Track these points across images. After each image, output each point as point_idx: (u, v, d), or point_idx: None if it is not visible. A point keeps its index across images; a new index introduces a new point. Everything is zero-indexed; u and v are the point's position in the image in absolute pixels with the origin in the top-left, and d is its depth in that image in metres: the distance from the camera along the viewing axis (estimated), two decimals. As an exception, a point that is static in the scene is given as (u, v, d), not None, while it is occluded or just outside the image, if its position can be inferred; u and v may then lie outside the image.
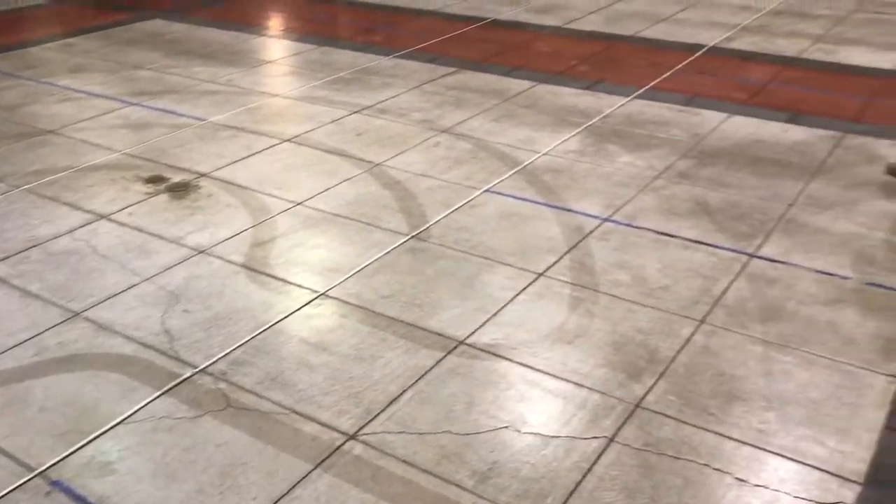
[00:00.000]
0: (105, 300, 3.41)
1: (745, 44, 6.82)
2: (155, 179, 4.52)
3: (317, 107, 5.57)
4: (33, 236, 3.94)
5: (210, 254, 3.76)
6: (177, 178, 4.53)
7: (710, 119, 5.24)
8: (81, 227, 4.01)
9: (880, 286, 3.43)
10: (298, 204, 4.21)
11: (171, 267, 3.65)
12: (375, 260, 3.68)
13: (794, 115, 5.26)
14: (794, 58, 6.45)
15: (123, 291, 3.47)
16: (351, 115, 5.42)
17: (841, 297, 3.36)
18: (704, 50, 6.65)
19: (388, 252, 3.74)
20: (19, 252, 3.80)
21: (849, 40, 6.87)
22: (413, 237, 3.87)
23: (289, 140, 5.01)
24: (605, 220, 4.00)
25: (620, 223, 3.96)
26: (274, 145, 4.94)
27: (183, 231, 3.96)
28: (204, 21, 7.87)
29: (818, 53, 6.54)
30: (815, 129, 5.03)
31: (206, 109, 5.55)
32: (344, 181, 4.46)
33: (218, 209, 4.17)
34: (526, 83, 5.97)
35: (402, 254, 3.74)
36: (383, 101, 5.65)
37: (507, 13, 7.99)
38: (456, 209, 4.13)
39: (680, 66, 6.29)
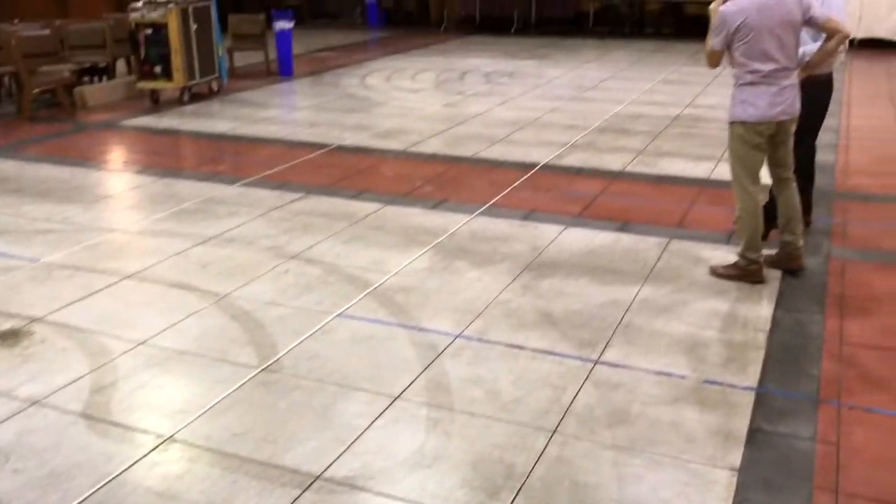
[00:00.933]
0: (-80, 467, 3.10)
1: (574, 160, 7.31)
2: (-19, 327, 4.23)
3: (160, 240, 5.44)
4: None
5: (44, 405, 3.52)
6: (5, 325, 4.25)
7: (547, 232, 5.52)
8: None
9: (714, 382, 3.65)
10: (141, 343, 4.04)
11: (0, 423, 3.39)
12: (225, 397, 3.56)
13: (624, 225, 5.64)
14: (620, 171, 6.96)
15: (-58, 455, 3.17)
16: (196, 246, 5.32)
17: (680, 396, 3.55)
18: (538, 167, 7.07)
19: (237, 388, 3.63)
20: None
21: (666, 153, 7.51)
22: (264, 370, 3.78)
23: (130, 277, 4.85)
24: (458, 336, 4.07)
25: (472, 338, 4.05)
26: (114, 283, 4.76)
27: (13, 382, 3.69)
28: (38, 157, 7.61)
29: (640, 166, 7.10)
30: (643, 237, 5.40)
31: (39, 249, 5.30)
32: (189, 316, 4.33)
33: (53, 355, 3.93)
34: (374, 205, 6.11)
35: (253, 388, 3.64)
36: (230, 231, 5.61)
37: (351, 139, 8.22)
38: (307, 337, 4.09)
39: (517, 183, 6.64)
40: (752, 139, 4.50)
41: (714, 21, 4.44)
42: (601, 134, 8.29)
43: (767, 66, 4.36)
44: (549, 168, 7.08)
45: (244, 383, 3.67)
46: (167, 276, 4.86)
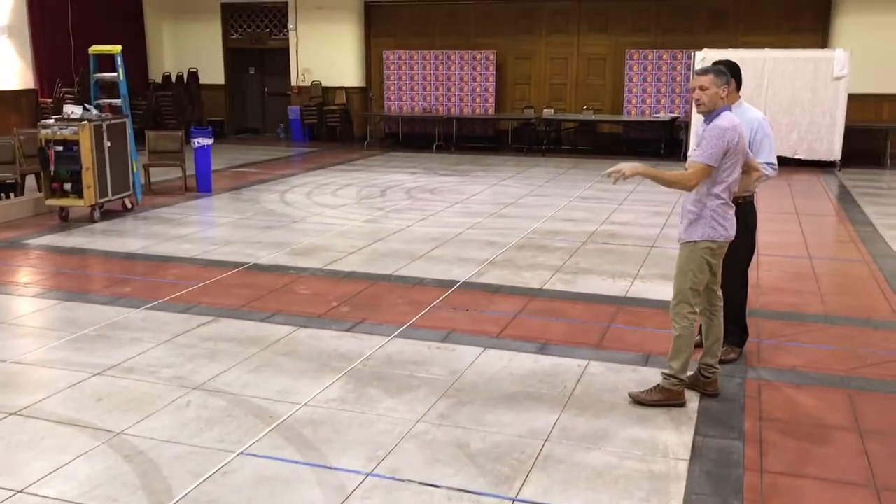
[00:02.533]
0: None
1: (493, 278, 7.28)
2: None
3: (53, 371, 5.09)
4: None
5: None
6: None
7: (466, 354, 5.39)
8: None
9: (636, 518, 3.50)
10: (20, 492, 3.66)
11: None
12: (108, 554, 3.22)
13: (543, 346, 5.55)
14: (539, 289, 6.95)
15: None
16: (92, 377, 4.99)
17: (602, 536, 3.37)
18: (457, 286, 7.00)
19: (123, 542, 3.30)
20: None
21: (584, 270, 7.56)
22: (155, 519, 3.46)
23: (15, 413, 4.47)
24: (368, 474, 3.83)
25: (384, 477, 3.81)
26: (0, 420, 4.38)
27: None
28: (-72, 279, 7.17)
29: (559, 284, 7.10)
30: (562, 359, 5.31)
31: (-85, 383, 4.88)
32: (78, 457, 3.98)
33: (-86, 509, 3.53)
34: (286, 328, 5.89)
35: (142, 541, 3.31)
36: (131, 359, 5.29)
37: (267, 257, 8.04)
38: (206, 479, 3.78)
39: (436, 302, 6.53)
40: (713, 259, 4.54)
41: (713, 139, 4.39)
42: (520, 250, 8.32)
43: (734, 187, 4.51)
44: (468, 286, 7.02)
45: (131, 537, 3.34)
46: (58, 411, 4.50)
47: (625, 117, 17.08)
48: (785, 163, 14.91)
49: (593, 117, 17.29)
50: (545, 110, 17.76)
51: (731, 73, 4.68)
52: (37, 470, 3.87)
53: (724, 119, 4.41)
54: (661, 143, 16.33)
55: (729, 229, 4.53)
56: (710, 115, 4.49)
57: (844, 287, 7.24)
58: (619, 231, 9.31)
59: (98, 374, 5.04)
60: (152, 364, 5.21)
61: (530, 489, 3.71)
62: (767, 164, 5.00)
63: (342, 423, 4.37)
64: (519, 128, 18.23)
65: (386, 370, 5.12)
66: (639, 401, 4.60)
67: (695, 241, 4.54)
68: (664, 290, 6.86)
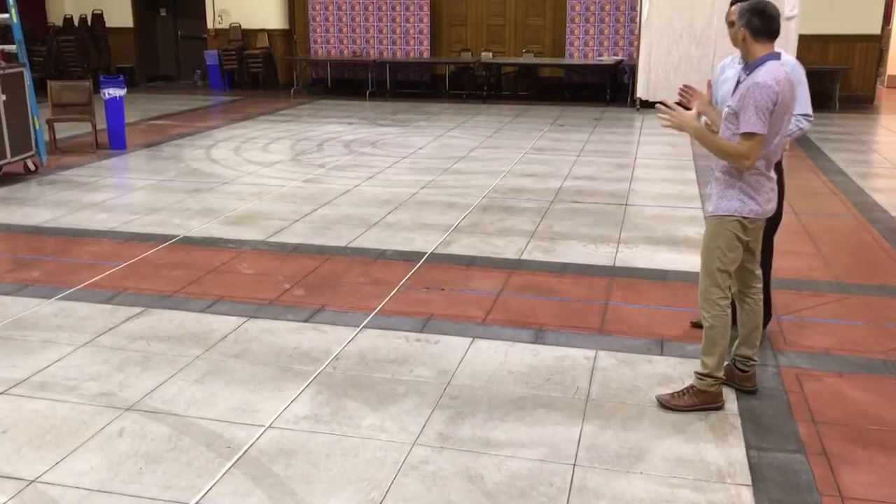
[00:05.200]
0: None
1: (463, 248, 6.45)
2: None
3: (-58, 392, 4.06)
4: None
5: None
6: None
7: (452, 348, 4.57)
8: None
9: (712, 575, 2.79)
10: None
11: None
12: None
13: (539, 333, 4.78)
14: (517, 260, 6.15)
15: None
16: (-6, 398, 3.99)
17: None
18: (425, 259, 6.14)
19: None
20: None
21: (560, 234, 6.80)
22: None
23: None
24: (364, 530, 3.01)
25: (385, 532, 3.00)
26: None
27: None
28: None
29: (537, 252, 6.32)
30: (564, 350, 4.55)
31: None
32: (-23, 524, 3.04)
33: None
34: (232, 320, 4.95)
35: None
36: (43, 370, 4.28)
37: (199, 228, 7.00)
38: (154, 550, 2.90)
39: (404, 280, 5.67)
40: (745, 236, 3.79)
41: (761, 100, 3.56)
42: (485, 213, 7.50)
43: (775, 155, 3.75)
44: (436, 258, 6.17)
45: None
46: (-52, 452, 3.51)
47: (567, 60, 16.26)
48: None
49: (534, 61, 16.44)
50: (483, 53, 16.80)
51: (758, 19, 3.77)
52: (-79, 544, 2.92)
53: (769, 73, 3.60)
54: (607, 88, 15.62)
55: (763, 204, 3.78)
56: (750, 63, 3.71)
57: (846, 248, 6.68)
58: (586, 187, 8.56)
59: (1, 394, 4.03)
60: (71, 376, 4.22)
61: (573, 541, 2.96)
62: (802, 115, 4.27)
63: (320, 452, 3.52)
64: (457, 72, 17.22)
65: (361, 373, 4.27)
66: (669, 406, 3.89)
67: (720, 216, 3.80)
68: (654, 257, 6.18)
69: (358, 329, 4.82)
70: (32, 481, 3.29)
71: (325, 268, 5.99)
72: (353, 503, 3.15)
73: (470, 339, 4.68)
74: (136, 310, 5.12)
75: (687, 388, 3.93)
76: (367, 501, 3.17)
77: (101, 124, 10.85)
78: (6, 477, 3.32)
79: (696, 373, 3.91)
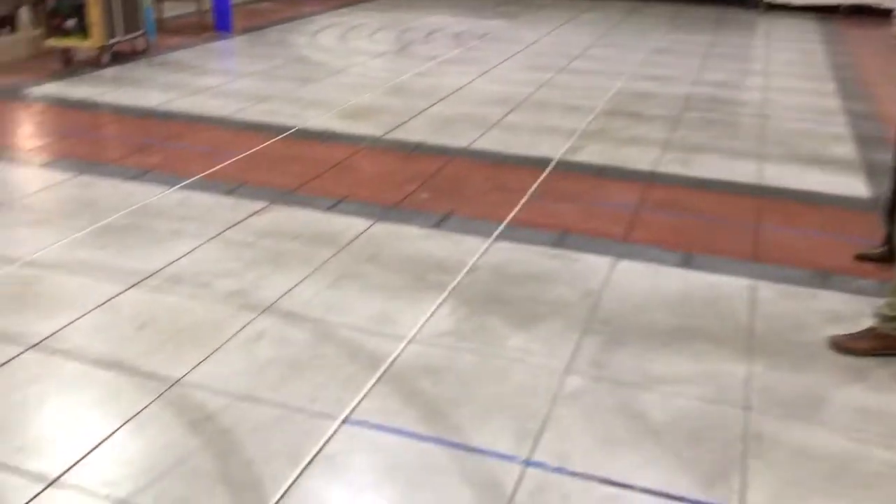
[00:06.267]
0: None
1: (592, 155, 6.05)
2: None
3: (77, 279, 3.98)
4: None
5: None
6: None
7: (594, 267, 4.28)
8: None
9: (918, 549, 2.51)
10: (52, 483, 2.65)
11: None
12: None
13: (687, 256, 4.43)
14: (652, 172, 5.74)
15: None
16: (128, 290, 3.89)
17: (886, 583, 2.39)
18: (553, 165, 5.78)
19: (212, 584, 2.30)
20: None
21: (696, 147, 6.32)
22: (249, 538, 2.46)
23: (34, 346, 3.40)
24: (527, 463, 2.81)
25: (549, 468, 2.79)
26: (11, 359, 3.31)
27: None
28: (-89, 139, 5.92)
29: (674, 165, 5.88)
30: (718, 277, 4.20)
31: None
32: (125, 424, 2.94)
33: None
34: (359, 222, 4.74)
35: (236, 579, 2.32)
36: (174, 263, 4.17)
37: (314, 119, 6.76)
38: (306, 468, 2.76)
39: (533, 188, 5.35)
40: None
41: None
42: (611, 118, 7.03)
43: None
44: (564, 167, 5.80)
45: (220, 572, 2.34)
46: (88, 345, 3.43)
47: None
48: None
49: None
50: (596, -56, 15.73)
51: None
52: (71, 446, 2.84)
53: None
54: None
55: None
56: None
57: None
58: (718, 95, 7.95)
59: (135, 285, 3.94)
60: (203, 271, 4.10)
61: (757, 497, 2.70)
62: None
63: (468, 373, 3.32)
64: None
65: (500, 289, 4.02)
66: (845, 349, 3.53)
67: None
68: (804, 178, 5.68)
69: (490, 240, 4.55)
70: (175, 382, 3.19)
71: (449, 170, 5.69)
72: (509, 431, 2.95)
73: (612, 259, 4.37)
74: (260, 204, 4.95)
75: (866, 331, 3.56)
76: (525, 431, 2.96)
77: (207, 4, 10.60)
78: (148, 376, 3.23)
79: (880, 314, 3.53)
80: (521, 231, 4.69)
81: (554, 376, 3.30)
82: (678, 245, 4.56)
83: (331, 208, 4.93)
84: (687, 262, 4.36)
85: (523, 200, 5.14)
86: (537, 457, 2.83)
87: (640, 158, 6.00)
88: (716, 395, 3.22)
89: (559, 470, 2.77)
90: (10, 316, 3.62)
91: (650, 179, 5.61)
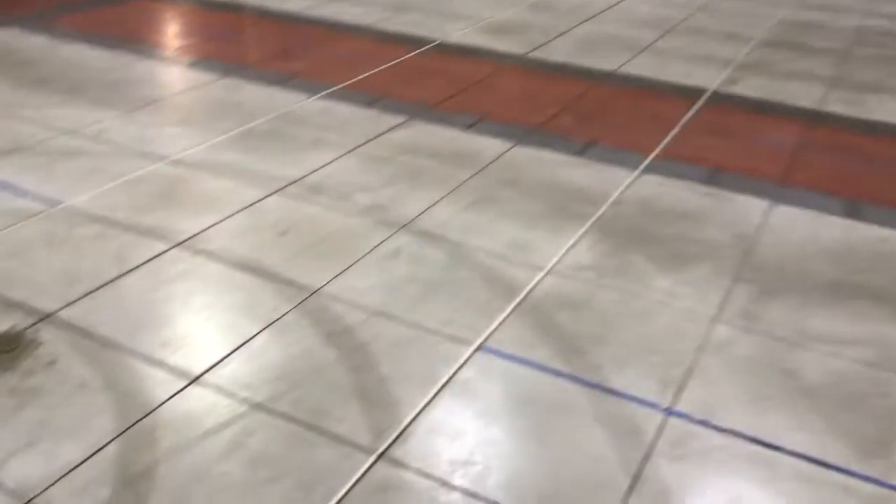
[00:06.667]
0: None
1: (750, 89, 5.62)
2: (-33, 327, 2.93)
3: (222, 181, 4.04)
4: None
5: (43, 500, 2.25)
6: (3, 324, 2.95)
7: (748, 209, 3.99)
8: None
9: None
10: (194, 381, 2.71)
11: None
12: (326, 517, 2.25)
13: (853, 205, 4.07)
14: (816, 111, 5.28)
15: None
16: (271, 195, 3.92)
17: None
18: (707, 97, 5.42)
19: (341, 501, 2.30)
20: None
21: (868, 86, 5.77)
22: (382, 456, 2.45)
23: (181, 244, 3.48)
24: (669, 412, 2.67)
25: (693, 420, 2.64)
26: (159, 255, 3.40)
27: (0, 450, 2.41)
28: (72, 33, 6.12)
29: (840, 105, 5.40)
30: (888, 231, 3.85)
31: (62, 183, 3.93)
32: (265, 329, 2.98)
33: (65, 395, 2.63)
34: (499, 143, 4.59)
35: (364, 494, 2.31)
36: (315, 172, 4.17)
37: (456, 33, 6.57)
38: (442, 389, 2.72)
39: (684, 120, 5.03)
40: None
41: None
42: (772, 49, 6.51)
43: None
44: (719, 98, 5.42)
45: (353, 486, 2.34)
46: (232, 247, 3.48)
47: None
48: None
49: None
50: None
51: None
52: (213, 345, 2.90)
53: None
54: None
55: None
56: None
57: None
58: (892, 28, 7.23)
59: (278, 191, 3.96)
60: (343, 183, 4.07)
61: (925, 474, 2.48)
62: None
63: (608, 310, 3.17)
64: None
65: (646, 225, 3.82)
66: None
67: None
68: None
69: (637, 172, 4.32)
70: (314, 292, 3.20)
71: (594, 94, 5.43)
72: (652, 378, 2.81)
73: (768, 202, 4.07)
74: (400, 118, 4.87)
75: None
76: (668, 378, 2.82)
77: None
78: (288, 283, 3.25)
79: None
80: (671, 165, 4.42)
81: (701, 323, 3.12)
82: (843, 192, 4.20)
83: (470, 127, 4.80)
84: (853, 212, 4.01)
85: (674, 132, 4.84)
86: (681, 406, 2.69)
87: (803, 95, 5.54)
88: (878, 360, 2.96)
89: (703, 423, 2.63)
90: (158, 212, 3.71)
91: (814, 119, 5.17)
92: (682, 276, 3.42)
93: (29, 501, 2.23)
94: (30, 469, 2.33)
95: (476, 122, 4.87)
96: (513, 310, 3.14)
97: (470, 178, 4.19)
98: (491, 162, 4.37)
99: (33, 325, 2.93)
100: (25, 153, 4.22)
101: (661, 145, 4.65)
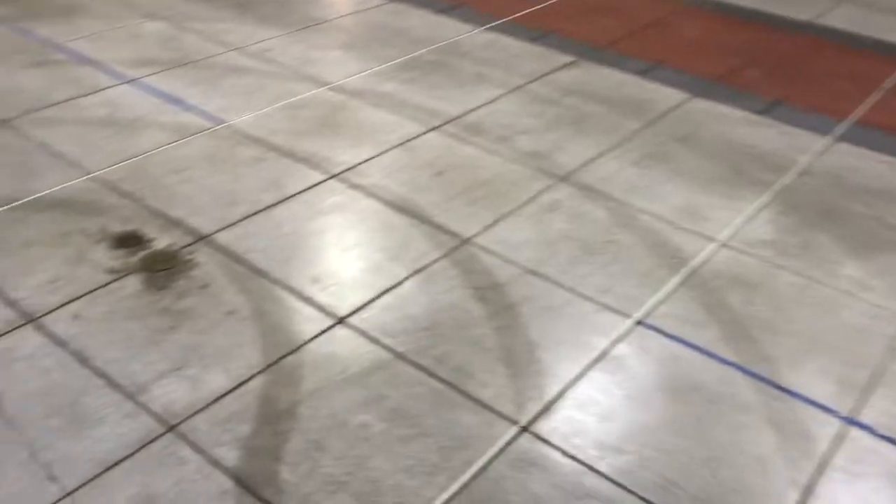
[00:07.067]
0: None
1: (971, 51, 4.94)
2: (128, 241, 2.97)
3: (380, 112, 3.93)
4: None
5: (182, 434, 2.25)
6: (162, 240, 2.98)
7: (960, 194, 3.51)
8: (-5, 338, 2.50)
9: None
10: (340, 322, 2.65)
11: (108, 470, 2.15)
12: (462, 487, 2.14)
13: None
14: None
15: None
16: (428, 132, 3.77)
17: None
18: (917, 57, 4.80)
19: (481, 471, 2.19)
20: None
21: None
22: (526, 429, 2.31)
23: (337, 176, 3.41)
24: (850, 421, 2.38)
25: (877, 434, 2.34)
26: (315, 185, 3.34)
27: (150, 370, 2.43)
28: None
29: None
30: None
31: (226, 101, 3.94)
32: (413, 275, 2.87)
33: (214, 321, 2.63)
34: (674, 93, 4.24)
35: (505, 467, 2.19)
36: (475, 110, 3.99)
37: (635, -32, 6.12)
38: (594, 363, 2.53)
39: (890, 82, 4.48)
40: None
41: None
42: None
43: None
44: (932, 61, 4.80)
45: (494, 459, 2.21)
46: (386, 184, 3.38)
47: None
48: None
49: None
50: None
51: None
52: (362, 286, 2.83)
53: None
54: None
55: None
56: None
57: None
58: None
59: (436, 127, 3.81)
60: (504, 124, 3.87)
61: None
62: None
63: (787, 296, 2.86)
64: None
65: (836, 201, 3.42)
66: None
67: None
68: None
69: (829, 139, 3.88)
70: (465, 241, 3.06)
71: (785, 46, 4.92)
72: (831, 380, 2.51)
73: (985, 187, 3.56)
74: (568, 58, 4.58)
75: None
76: (850, 382, 2.51)
77: None
78: (439, 228, 3.11)
79: None
80: (869, 133, 3.94)
81: (894, 322, 2.76)
82: None
83: (643, 73, 4.45)
84: None
85: (875, 96, 4.32)
86: (864, 417, 2.39)
87: None
88: None
89: (889, 440, 2.32)
90: (317, 139, 3.65)
91: None
92: (874, 264, 3.04)
93: (172, 427, 2.25)
94: (176, 394, 2.35)
95: (650, 69, 4.51)
96: (679, 284, 2.89)
97: (640, 129, 3.88)
98: (664, 114, 4.04)
99: (190, 245, 2.95)
100: (194, 67, 4.26)
101: (860, 110, 4.15)
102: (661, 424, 2.34)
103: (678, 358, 2.57)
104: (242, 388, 2.38)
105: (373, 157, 3.54)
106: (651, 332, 2.66)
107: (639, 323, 2.69)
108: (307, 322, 2.63)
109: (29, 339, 2.51)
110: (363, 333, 2.60)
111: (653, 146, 3.75)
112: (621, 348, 2.59)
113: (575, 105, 4.07)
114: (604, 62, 4.55)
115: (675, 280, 2.90)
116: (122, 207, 3.13)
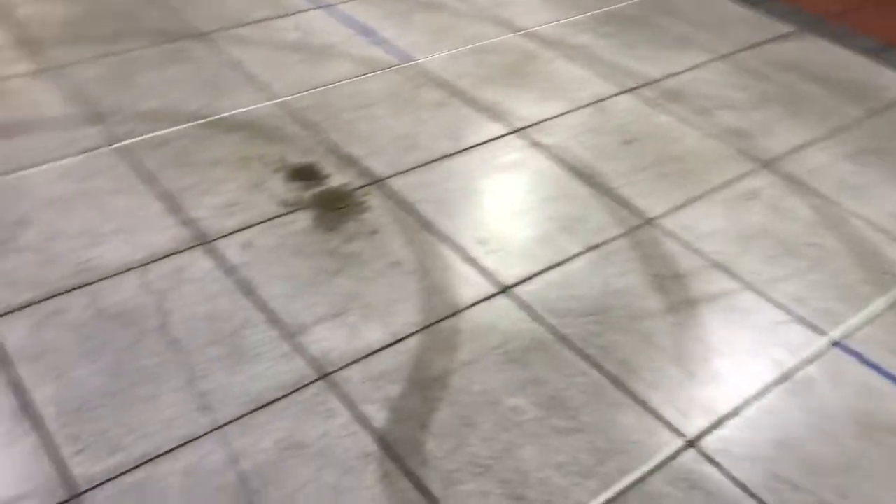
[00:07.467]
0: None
1: None
2: (305, 174, 2.95)
3: (571, 67, 3.70)
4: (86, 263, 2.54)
5: (334, 384, 2.21)
6: (337, 178, 2.94)
7: None
8: (158, 260, 2.54)
9: None
10: (503, 291, 2.52)
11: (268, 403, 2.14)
12: (615, 496, 1.98)
13: None
14: None
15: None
16: (622, 94, 3.52)
17: None
18: None
19: (636, 483, 2.01)
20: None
21: None
22: (691, 444, 2.11)
23: (519, 131, 3.24)
24: None
25: None
26: (495, 138, 3.19)
27: (310, 312, 2.40)
28: None
29: None
30: None
31: (415, 38, 3.83)
32: (587, 251, 2.68)
33: (379, 271, 2.56)
34: (907, 82, 3.75)
35: (663, 484, 2.01)
36: (676, 75, 3.68)
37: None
38: (776, 384, 2.28)
39: None
40: None
41: None
42: None
43: None
44: None
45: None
46: (570, 146, 3.18)
47: None
48: None
49: None
50: None
51: None
52: (530, 254, 2.67)
53: None
54: None
55: None
56: None
57: None
58: None
59: (630, 90, 3.55)
60: (706, 94, 3.55)
61: None
62: None
63: None
64: None
65: None
66: None
67: None
68: None
69: None
70: (649, 220, 2.83)
71: None
72: None
73: None
74: (787, 28, 4.14)
75: None
76: None
77: None
78: (622, 202, 2.90)
79: None
80: None
81: None
82: None
83: (874, 53, 3.96)
84: None
85: None
86: None
87: None
88: None
89: None
90: (502, 90, 3.49)
91: None
92: None
93: (325, 375, 2.21)
94: (333, 341, 2.31)
95: (883, 49, 4.01)
96: (889, 305, 2.55)
97: (862, 119, 3.46)
98: (893, 104, 3.57)
99: (364, 186, 2.90)
100: (386, 2, 4.17)
101: None
102: (847, 465, 2.08)
103: (877, 391, 2.27)
104: (398, 346, 2.31)
105: (559, 115, 3.34)
106: (848, 357, 2.37)
107: (835, 344, 2.40)
108: (469, 286, 2.52)
109: (200, 262, 2.54)
110: (526, 307, 2.46)
111: (873, 140, 3.32)
112: (811, 370, 2.32)
113: (788, 82, 3.67)
114: (828, 36, 4.08)
115: (883, 299, 2.56)
116: (303, 138, 3.11)
